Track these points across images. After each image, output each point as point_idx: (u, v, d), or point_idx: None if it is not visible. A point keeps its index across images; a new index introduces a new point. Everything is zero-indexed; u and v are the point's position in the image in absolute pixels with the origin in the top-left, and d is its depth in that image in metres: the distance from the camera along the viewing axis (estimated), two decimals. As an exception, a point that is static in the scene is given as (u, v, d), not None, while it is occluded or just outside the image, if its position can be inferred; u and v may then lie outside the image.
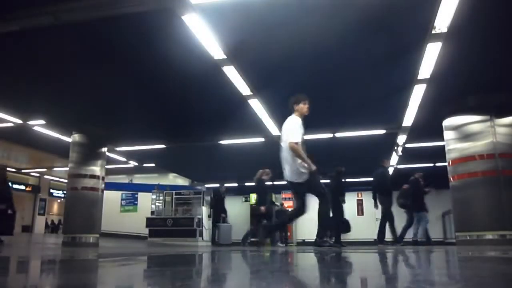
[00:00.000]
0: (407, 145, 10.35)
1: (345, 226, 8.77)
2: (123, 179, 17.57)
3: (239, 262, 3.43)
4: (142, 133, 10.19)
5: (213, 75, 6.28)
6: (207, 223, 16.25)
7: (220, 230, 11.83)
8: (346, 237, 16.64)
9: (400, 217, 9.25)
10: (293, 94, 7.35)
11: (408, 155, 10.99)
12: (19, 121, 8.95)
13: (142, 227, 15.37)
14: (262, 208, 8.44)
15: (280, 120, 8.68)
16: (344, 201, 8.73)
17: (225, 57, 5.67)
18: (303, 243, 16.82)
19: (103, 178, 9.49)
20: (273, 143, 10.25)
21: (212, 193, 13.73)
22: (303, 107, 4.98)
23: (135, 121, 9.21)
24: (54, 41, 5.60)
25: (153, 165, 14.46)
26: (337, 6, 4.72)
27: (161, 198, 16.63)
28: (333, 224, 8.23)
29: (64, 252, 5.22)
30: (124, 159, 13.21)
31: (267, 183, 9.19)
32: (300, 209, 4.91)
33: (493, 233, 6.57)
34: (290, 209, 16.58)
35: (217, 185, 13.48)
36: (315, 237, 6.29)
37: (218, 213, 12.08)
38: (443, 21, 4.80)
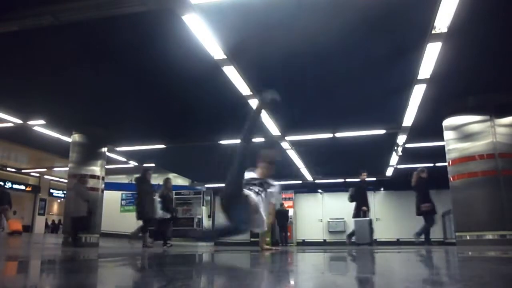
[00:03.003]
0: (407, 145, 10.35)
1: None
2: (123, 179, 17.57)
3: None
4: (142, 133, 10.19)
5: (213, 75, 6.27)
6: (207, 223, 16.27)
7: (356, 226, 9.75)
8: (345, 237, 16.76)
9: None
10: (293, 94, 7.40)
11: (408, 155, 10.98)
12: (19, 121, 8.95)
13: (142, 227, 15.34)
14: (426, 205, 8.34)
15: (280, 120, 8.74)
16: None
17: (225, 57, 5.66)
18: (303, 243, 16.83)
19: (103, 178, 9.50)
20: (273, 143, 10.29)
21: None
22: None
23: (135, 121, 9.21)
24: (54, 41, 5.59)
25: (153, 165, 14.46)
26: (337, 6, 4.72)
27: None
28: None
29: (64, 252, 5.22)
30: (124, 159, 13.21)
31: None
32: None
33: (493, 233, 6.57)
34: (289, 209, 16.67)
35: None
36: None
37: (360, 206, 9.98)
38: (443, 21, 4.80)
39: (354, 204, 9.92)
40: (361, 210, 9.69)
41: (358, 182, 10.26)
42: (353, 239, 9.64)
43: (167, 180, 9.24)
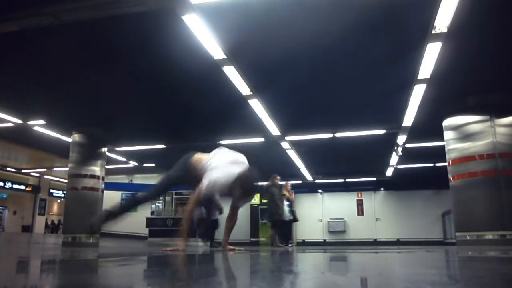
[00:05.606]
0: (407, 145, 10.36)
1: None
2: (123, 179, 17.57)
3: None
4: (142, 133, 10.19)
5: (213, 75, 6.28)
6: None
7: None
8: (345, 237, 16.81)
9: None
10: (293, 94, 7.40)
11: (408, 155, 10.99)
12: (19, 121, 8.95)
13: (142, 227, 15.39)
14: None
15: (280, 120, 8.74)
16: None
17: (225, 57, 5.67)
18: (303, 243, 16.84)
19: (103, 178, 9.49)
20: (273, 143, 10.30)
21: None
22: None
23: (135, 121, 9.21)
24: (54, 41, 5.60)
25: (153, 165, 14.47)
26: (336, 6, 4.72)
27: (161, 198, 16.65)
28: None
29: (64, 252, 5.22)
30: (124, 159, 13.22)
31: None
32: None
33: (493, 233, 6.57)
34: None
35: None
36: None
37: None
38: (443, 21, 4.80)
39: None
40: None
41: None
42: None
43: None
